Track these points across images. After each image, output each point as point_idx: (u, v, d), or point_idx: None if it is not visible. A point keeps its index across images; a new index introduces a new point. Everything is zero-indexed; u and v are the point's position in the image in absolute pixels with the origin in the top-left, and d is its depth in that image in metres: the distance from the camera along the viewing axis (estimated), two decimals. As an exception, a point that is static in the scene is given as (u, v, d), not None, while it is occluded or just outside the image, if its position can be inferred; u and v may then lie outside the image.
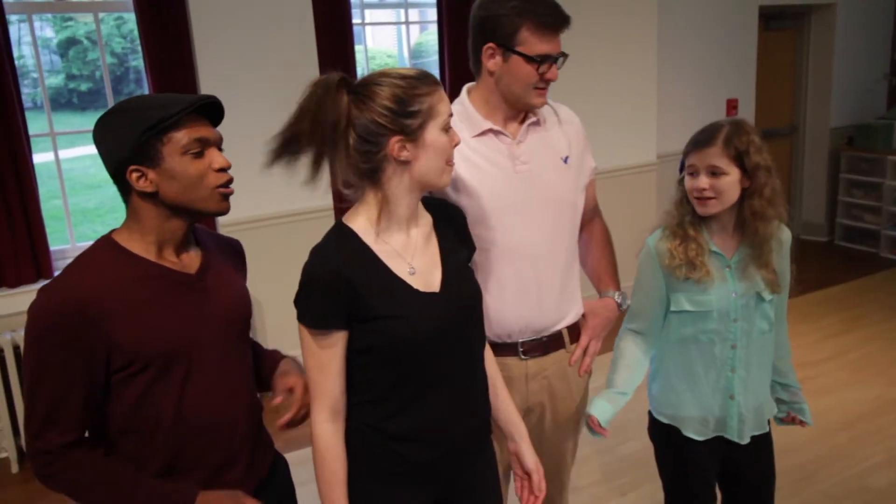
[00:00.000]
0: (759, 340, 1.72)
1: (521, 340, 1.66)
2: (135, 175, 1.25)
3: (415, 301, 1.32)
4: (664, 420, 1.81)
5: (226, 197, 1.32)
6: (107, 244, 1.30)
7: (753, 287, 1.68)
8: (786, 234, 1.73)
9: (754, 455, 1.79)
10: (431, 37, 5.83)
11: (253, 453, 1.40)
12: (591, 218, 1.88)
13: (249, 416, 1.39)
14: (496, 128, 1.64)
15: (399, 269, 1.34)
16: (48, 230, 3.27)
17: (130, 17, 3.33)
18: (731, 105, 5.36)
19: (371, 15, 5.22)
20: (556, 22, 1.55)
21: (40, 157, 3.30)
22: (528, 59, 1.55)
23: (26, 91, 3.01)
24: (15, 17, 3.29)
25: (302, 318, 1.31)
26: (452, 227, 1.45)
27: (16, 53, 3.13)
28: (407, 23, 4.36)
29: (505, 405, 1.53)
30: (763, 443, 1.80)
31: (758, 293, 1.68)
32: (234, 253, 1.48)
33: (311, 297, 1.29)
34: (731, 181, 1.63)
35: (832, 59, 5.77)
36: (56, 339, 1.19)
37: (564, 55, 1.60)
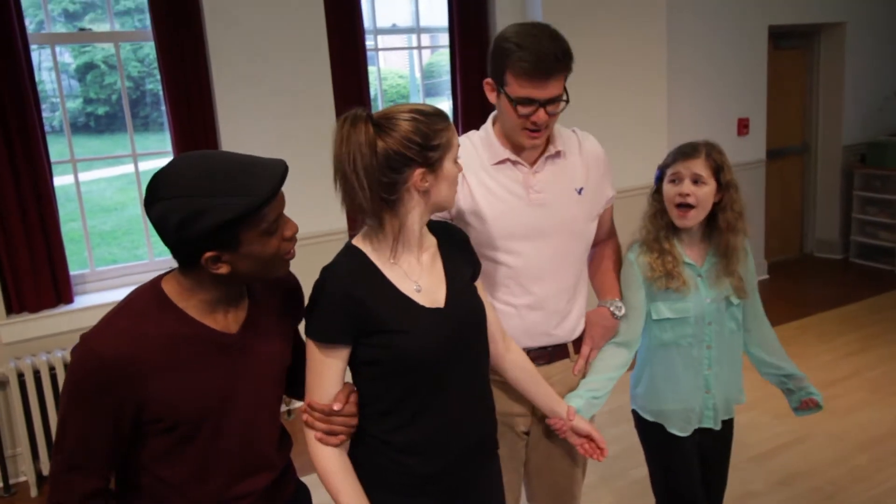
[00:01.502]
0: (729, 340, 1.91)
1: (526, 346, 1.70)
2: (210, 259, 1.18)
3: (421, 316, 1.38)
4: (650, 418, 1.97)
5: (289, 261, 1.30)
6: (154, 296, 1.24)
7: (723, 293, 1.85)
8: (747, 247, 1.89)
9: (718, 448, 2.00)
10: (442, 57, 5.89)
11: (275, 488, 1.40)
12: (606, 239, 1.96)
13: (275, 453, 1.39)
14: (513, 157, 1.69)
15: (406, 288, 1.39)
16: (67, 253, 3.32)
17: (147, 42, 3.39)
18: (743, 124, 5.37)
19: (383, 40, 5.29)
20: (538, 70, 1.54)
21: (58, 181, 3.35)
22: (510, 100, 1.59)
23: (45, 115, 3.09)
24: (36, 45, 3.36)
25: (308, 332, 1.37)
26: (456, 246, 1.52)
27: (36, 79, 3.20)
28: (419, 48, 4.42)
29: (546, 391, 1.65)
30: (725, 435, 2.01)
31: (727, 298, 1.86)
32: (285, 292, 1.42)
33: (319, 313, 1.35)
34: (710, 191, 1.78)
35: (843, 78, 5.78)
36: (89, 388, 1.18)
37: (556, 99, 1.60)
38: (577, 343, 1.82)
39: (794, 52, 5.84)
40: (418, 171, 1.34)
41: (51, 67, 3.46)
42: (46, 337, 3.22)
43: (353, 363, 1.40)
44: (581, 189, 1.75)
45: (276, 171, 1.18)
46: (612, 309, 1.84)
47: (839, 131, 5.90)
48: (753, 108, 5.41)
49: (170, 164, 1.20)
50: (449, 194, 1.41)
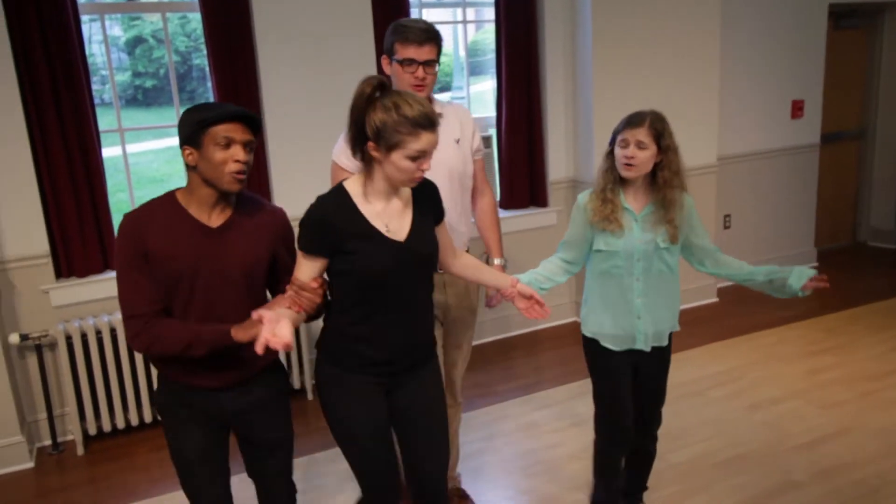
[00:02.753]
0: (658, 277, 2.28)
1: None
2: (186, 152, 1.81)
3: (382, 244, 1.83)
4: (589, 335, 2.39)
5: (238, 181, 1.81)
6: (168, 196, 1.87)
7: (654, 237, 2.24)
8: (688, 201, 2.27)
9: (653, 370, 2.40)
10: (486, 35, 5.82)
11: (233, 365, 1.89)
12: (482, 189, 2.57)
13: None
14: None
15: (376, 223, 1.85)
16: (114, 223, 3.40)
17: (195, 17, 3.41)
18: (797, 106, 5.19)
19: (428, 14, 5.22)
20: (416, 37, 2.21)
21: (107, 152, 3.41)
22: (399, 62, 2.26)
23: (95, 88, 3.14)
24: (87, 16, 3.41)
25: (298, 242, 1.84)
26: (427, 198, 1.97)
27: (87, 52, 3.25)
28: (465, 22, 4.36)
29: (490, 273, 2.19)
30: (660, 359, 2.39)
31: (657, 242, 2.24)
32: (268, 219, 1.94)
33: (304, 231, 1.83)
34: (650, 154, 2.17)
35: (906, 59, 5.53)
36: (125, 243, 1.80)
37: (431, 62, 2.25)
38: (467, 250, 2.42)
39: (855, 33, 5.59)
40: (371, 144, 1.78)
41: (101, 40, 3.49)
42: (93, 301, 3.31)
43: (329, 272, 1.87)
44: (458, 140, 2.42)
45: (236, 109, 1.78)
46: (500, 263, 2.55)
47: (899, 116, 5.66)
48: (809, 90, 5.22)
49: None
50: (396, 178, 1.81)
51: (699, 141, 4.59)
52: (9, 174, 3.12)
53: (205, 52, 3.46)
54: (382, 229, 1.84)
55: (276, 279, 1.97)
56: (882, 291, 4.83)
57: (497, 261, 2.56)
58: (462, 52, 4.92)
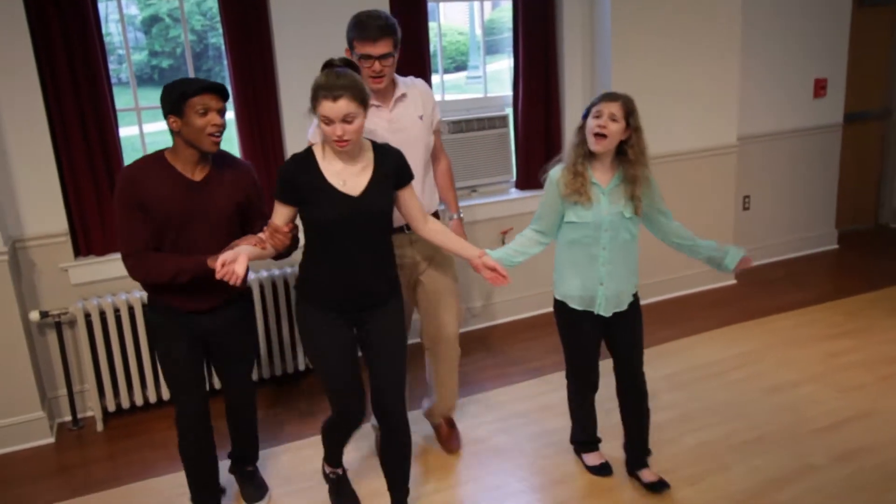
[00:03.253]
0: (622, 246, 2.50)
1: (404, 223, 2.56)
2: (171, 120, 2.20)
3: (337, 198, 2.16)
4: (559, 297, 2.62)
5: (215, 143, 2.22)
6: (158, 155, 2.28)
7: (620, 209, 2.44)
8: (653, 180, 2.48)
9: (626, 324, 2.60)
10: (503, 13, 5.74)
11: (210, 292, 2.32)
12: (439, 156, 2.86)
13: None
14: (377, 104, 2.56)
15: (334, 180, 2.18)
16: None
17: (211, -6, 3.40)
18: (820, 85, 5.09)
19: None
20: (369, 36, 2.44)
21: (123, 131, 3.42)
22: (358, 57, 2.47)
23: (112, 67, 3.15)
24: (104, -6, 3.39)
25: (276, 193, 2.21)
26: (390, 162, 2.26)
27: (104, 31, 3.24)
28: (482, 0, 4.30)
29: (458, 242, 2.43)
30: (630, 315, 2.60)
31: (622, 213, 2.44)
32: (241, 174, 2.36)
33: (278, 183, 2.20)
34: (620, 128, 2.37)
35: (934, 37, 5.40)
36: (124, 194, 2.21)
37: (387, 55, 2.48)
38: (436, 215, 2.72)
39: (881, 10, 5.46)
40: (309, 108, 2.16)
41: (118, 19, 3.48)
42: (111, 280, 3.33)
43: (301, 220, 2.23)
44: (421, 116, 2.67)
45: (209, 82, 2.16)
46: (455, 217, 2.90)
47: (925, 95, 5.53)
48: (832, 68, 5.12)
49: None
50: (327, 140, 2.16)
51: (719, 121, 4.52)
52: (27, 153, 3.13)
53: (220, 31, 3.44)
54: (339, 185, 2.18)
55: (249, 222, 2.39)
56: (904, 274, 4.76)
57: (454, 215, 2.92)
58: (478, 31, 4.86)
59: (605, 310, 2.54)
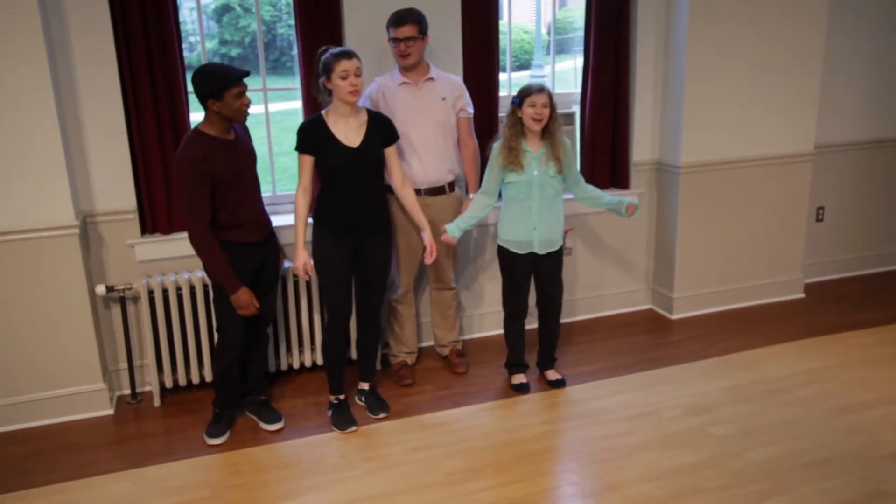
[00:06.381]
0: (550, 199, 3.23)
1: (422, 188, 3.37)
2: (211, 102, 2.73)
3: (340, 148, 2.96)
4: (502, 243, 3.31)
5: (246, 115, 2.83)
6: (197, 132, 2.80)
7: (546, 170, 3.18)
8: (567, 143, 3.23)
9: (550, 263, 3.32)
10: (570, 13, 5.65)
11: (264, 226, 3.00)
12: (466, 142, 3.47)
13: (260, 206, 2.99)
14: (407, 80, 3.33)
15: (339, 135, 2.96)
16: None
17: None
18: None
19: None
20: (397, 22, 3.23)
21: (194, 116, 3.46)
22: (390, 40, 3.30)
23: (185, 54, 3.26)
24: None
25: (296, 146, 3.01)
26: (380, 124, 3.06)
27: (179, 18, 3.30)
28: (553, -6, 4.23)
29: (416, 214, 3.19)
30: (556, 258, 3.33)
31: (548, 173, 3.18)
32: (246, 134, 2.97)
33: (299, 138, 2.99)
34: (548, 112, 3.11)
35: None
36: (195, 170, 2.72)
37: (410, 38, 3.22)
38: (451, 185, 3.47)
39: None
40: (323, 79, 2.95)
41: (192, 7, 3.55)
42: (175, 259, 3.39)
43: (316, 165, 3.00)
44: (444, 98, 3.35)
45: (241, 71, 2.73)
46: (472, 196, 3.42)
47: None
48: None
49: (206, 65, 2.80)
50: (340, 95, 2.91)
51: (795, 127, 4.33)
52: (102, 132, 3.21)
53: (289, 21, 3.46)
54: (342, 139, 2.95)
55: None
56: None
57: (472, 195, 3.43)
58: (543, 30, 4.77)
59: (539, 249, 3.26)
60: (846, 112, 4.72)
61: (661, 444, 2.97)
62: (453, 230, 3.23)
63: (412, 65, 3.26)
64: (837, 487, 2.65)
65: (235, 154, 2.82)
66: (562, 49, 8.14)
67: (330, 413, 3.22)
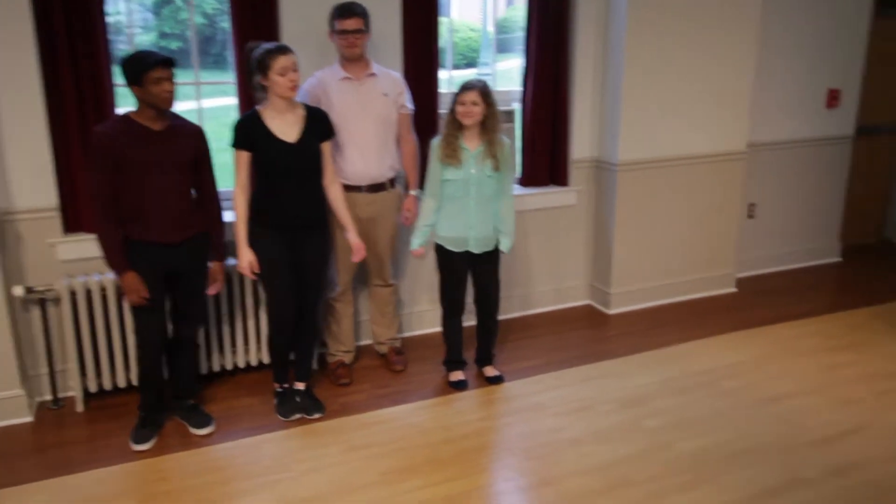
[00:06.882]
0: (487, 198, 3.21)
1: (363, 185, 3.33)
2: (134, 88, 2.70)
3: (279, 143, 2.93)
4: (438, 241, 3.29)
5: (169, 101, 2.73)
6: (125, 114, 2.78)
7: (484, 168, 3.16)
8: (506, 142, 3.22)
9: (487, 261, 3.32)
10: (516, 12, 5.67)
11: (177, 224, 2.85)
12: (406, 138, 3.47)
13: (177, 207, 2.84)
14: (349, 76, 3.28)
15: (275, 130, 2.93)
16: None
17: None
18: (833, 95, 5.01)
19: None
20: (344, 14, 3.19)
21: (123, 110, 3.34)
22: (336, 32, 3.24)
23: (121, 47, 3.17)
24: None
25: (232, 143, 2.94)
26: (317, 119, 3.04)
27: (112, 9, 3.19)
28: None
29: (342, 213, 3.16)
30: (492, 256, 3.31)
31: (485, 171, 3.16)
32: (191, 133, 2.88)
33: (236, 134, 2.93)
34: (481, 109, 3.10)
35: (950, 51, 5.30)
36: (100, 152, 2.71)
37: (358, 31, 3.20)
38: (392, 182, 3.43)
39: (898, 21, 5.37)
40: (260, 76, 2.89)
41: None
42: (99, 258, 3.26)
43: (253, 161, 2.95)
44: (387, 94, 3.33)
45: (164, 56, 2.68)
46: (415, 194, 3.50)
47: (938, 110, 5.44)
48: (847, 79, 5.04)
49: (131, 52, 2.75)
50: (279, 91, 2.88)
51: (729, 127, 4.45)
52: (20, 126, 3.07)
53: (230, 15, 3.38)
54: (279, 134, 2.92)
55: (198, 172, 2.91)
56: (908, 290, 4.69)
57: (413, 192, 3.50)
58: (490, 28, 4.79)
59: (475, 248, 3.25)
60: (777, 112, 4.87)
61: (596, 437, 3.00)
62: (415, 245, 3.27)
63: (357, 57, 3.24)
64: (760, 475, 2.73)
65: (156, 145, 2.74)
66: (510, 48, 8.19)
67: (275, 402, 3.23)
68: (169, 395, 3.12)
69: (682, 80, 4.22)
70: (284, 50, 2.85)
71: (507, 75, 6.12)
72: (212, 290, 3.07)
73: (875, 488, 2.65)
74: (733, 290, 4.74)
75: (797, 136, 4.98)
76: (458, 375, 3.48)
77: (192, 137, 2.87)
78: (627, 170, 4.20)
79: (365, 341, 3.91)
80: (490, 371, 3.53)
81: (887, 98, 5.49)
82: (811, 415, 3.16)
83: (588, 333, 4.10)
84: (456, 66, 6.95)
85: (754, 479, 2.70)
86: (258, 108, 2.96)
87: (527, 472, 2.78)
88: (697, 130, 4.36)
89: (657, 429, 3.06)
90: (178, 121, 2.85)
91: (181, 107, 2.94)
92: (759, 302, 4.53)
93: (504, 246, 3.28)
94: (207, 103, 3.63)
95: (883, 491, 2.64)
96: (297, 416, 3.16)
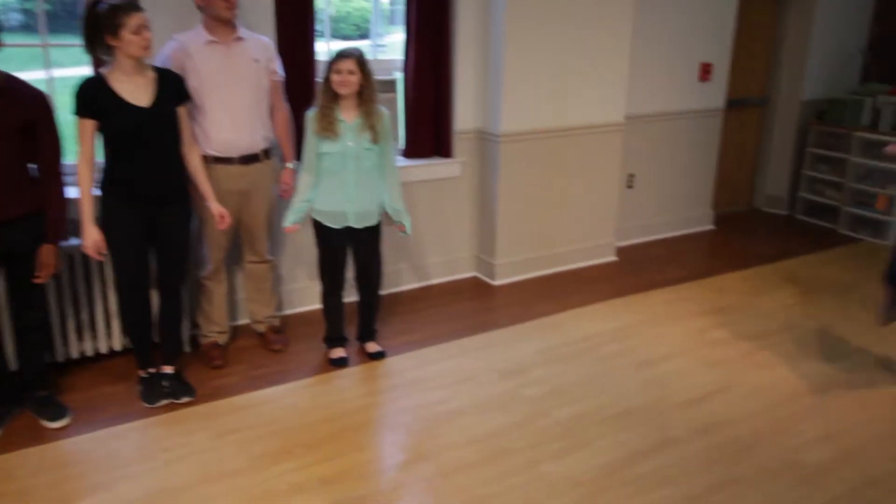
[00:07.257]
0: (367, 171, 3.10)
1: (235, 156, 3.14)
2: (108, 39, 2.62)
3: (129, 108, 2.69)
4: (316, 216, 3.15)
5: (145, 49, 2.66)
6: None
7: (362, 141, 3.04)
8: (385, 113, 3.10)
9: (369, 237, 3.22)
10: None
11: (1, 199, 2.56)
12: (278, 106, 3.31)
13: (2, 179, 2.55)
14: (215, 39, 3.06)
15: (125, 94, 2.68)
16: None
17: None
18: (705, 69, 5.19)
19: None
20: None
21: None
22: None
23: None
24: None
25: (74, 110, 2.66)
26: (171, 83, 2.81)
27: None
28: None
29: (202, 182, 2.96)
30: (373, 231, 3.21)
31: (364, 144, 3.04)
32: (28, 97, 2.59)
33: (78, 100, 2.65)
34: (357, 79, 2.97)
35: (811, 28, 5.62)
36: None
37: None
38: (266, 153, 3.25)
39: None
40: (109, 35, 2.62)
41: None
42: None
43: (100, 130, 2.70)
44: (257, 59, 3.15)
45: (137, 3, 2.60)
46: (292, 167, 3.36)
47: (801, 85, 5.77)
48: (718, 53, 5.23)
49: None
50: (131, 50, 2.64)
51: (607, 99, 4.52)
52: None
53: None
54: (129, 98, 2.68)
55: (36, 143, 2.62)
56: (772, 255, 4.98)
57: (289, 164, 3.36)
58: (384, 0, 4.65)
59: (355, 222, 3.14)
60: (653, 85, 5.00)
61: (476, 408, 3.00)
62: (289, 222, 3.12)
63: (232, 19, 3.05)
64: (632, 438, 2.81)
65: None
66: (401, 20, 8.04)
67: (140, 388, 3.05)
68: (20, 386, 2.85)
69: (562, 53, 4.24)
70: (136, 6, 2.63)
71: (398, 47, 5.99)
72: (40, 278, 2.68)
73: (736, 445, 2.79)
74: (614, 258, 4.88)
75: (672, 108, 5.15)
76: (338, 353, 3.38)
77: (27, 102, 2.57)
78: (510, 141, 4.20)
79: (243, 321, 3.74)
80: (372, 347, 3.46)
81: (752, 73, 5.77)
82: (681, 377, 3.29)
83: (473, 305, 4.10)
84: (349, 37, 6.75)
85: (627, 442, 2.78)
86: (102, 71, 2.71)
87: (405, 448, 2.74)
88: (578, 102, 4.40)
89: (536, 397, 3.09)
90: (17, 83, 2.57)
91: (30, 76, 2.66)
92: (638, 269, 4.69)
93: (406, 226, 3.22)
94: (60, 73, 3.31)
95: (746, 446, 2.78)
96: (165, 402, 2.98)
